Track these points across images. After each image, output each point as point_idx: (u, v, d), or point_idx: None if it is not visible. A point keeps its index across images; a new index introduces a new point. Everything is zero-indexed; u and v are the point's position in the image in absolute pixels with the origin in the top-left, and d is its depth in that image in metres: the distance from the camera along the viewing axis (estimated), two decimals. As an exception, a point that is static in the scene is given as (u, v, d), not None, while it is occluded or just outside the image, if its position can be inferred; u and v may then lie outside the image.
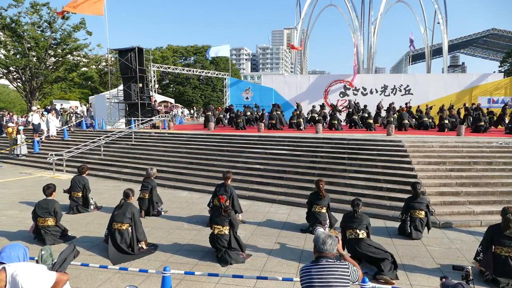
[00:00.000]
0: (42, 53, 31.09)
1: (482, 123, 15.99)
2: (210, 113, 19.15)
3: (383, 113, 19.52)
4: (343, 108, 22.01)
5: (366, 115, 17.99)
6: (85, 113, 24.00)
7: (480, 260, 5.20)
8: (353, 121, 18.27)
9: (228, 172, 7.77)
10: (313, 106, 20.54)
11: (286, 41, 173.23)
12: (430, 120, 17.94)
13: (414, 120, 18.17)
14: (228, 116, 21.37)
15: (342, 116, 20.63)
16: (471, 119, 17.30)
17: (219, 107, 28.24)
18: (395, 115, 17.88)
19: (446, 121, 16.76)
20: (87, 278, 5.03)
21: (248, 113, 19.79)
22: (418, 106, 19.69)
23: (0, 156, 16.98)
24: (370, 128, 17.11)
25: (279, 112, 18.47)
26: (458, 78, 23.12)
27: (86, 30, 32.56)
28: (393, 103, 19.78)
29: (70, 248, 3.37)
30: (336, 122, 17.35)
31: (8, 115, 22.85)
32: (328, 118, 18.57)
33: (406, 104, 20.30)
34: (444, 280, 3.19)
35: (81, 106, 30.23)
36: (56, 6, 41.89)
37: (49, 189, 6.64)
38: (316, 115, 18.85)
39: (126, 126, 19.12)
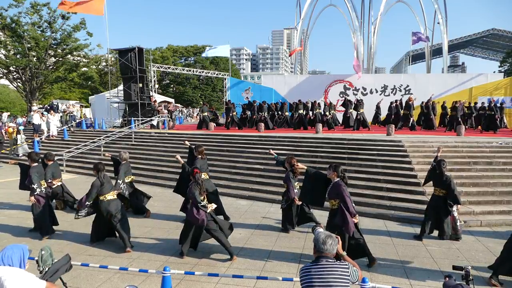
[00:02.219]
0: (42, 53, 31.07)
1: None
2: (206, 113, 18.93)
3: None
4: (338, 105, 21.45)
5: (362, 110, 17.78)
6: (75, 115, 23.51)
7: None
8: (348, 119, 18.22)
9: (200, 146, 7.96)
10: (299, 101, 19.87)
11: (286, 41, 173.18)
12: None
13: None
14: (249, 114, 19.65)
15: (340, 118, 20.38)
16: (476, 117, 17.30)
17: (212, 107, 27.53)
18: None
19: (455, 112, 16.67)
20: (87, 278, 5.04)
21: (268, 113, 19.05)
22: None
23: (0, 156, 16.98)
24: (365, 125, 17.18)
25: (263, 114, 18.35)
26: (458, 78, 23.11)
27: (86, 31, 32.54)
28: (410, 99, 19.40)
29: (64, 260, 3.33)
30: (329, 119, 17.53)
31: None
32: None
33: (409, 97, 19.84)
34: (447, 279, 3.19)
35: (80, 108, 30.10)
36: (56, 6, 41.77)
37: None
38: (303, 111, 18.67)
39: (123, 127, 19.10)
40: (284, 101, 21.36)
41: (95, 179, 6.17)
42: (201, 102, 43.78)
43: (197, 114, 34.98)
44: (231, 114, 18.70)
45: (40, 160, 7.27)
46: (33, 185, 6.64)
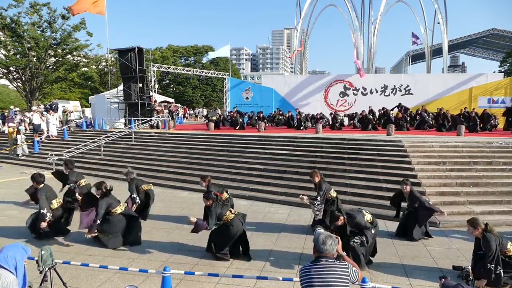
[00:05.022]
0: (42, 53, 31.06)
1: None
2: (215, 118, 19.11)
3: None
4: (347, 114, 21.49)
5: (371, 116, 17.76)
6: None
7: None
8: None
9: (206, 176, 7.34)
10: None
11: (286, 41, 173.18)
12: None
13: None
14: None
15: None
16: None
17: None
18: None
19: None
20: (87, 278, 5.04)
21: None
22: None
23: (0, 156, 16.97)
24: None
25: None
26: (458, 78, 23.14)
27: (86, 31, 32.54)
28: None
29: None
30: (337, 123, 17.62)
31: None
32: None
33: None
34: (443, 280, 3.19)
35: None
36: (56, 6, 41.83)
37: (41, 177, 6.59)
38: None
39: (124, 127, 19.10)
40: (284, 102, 21.54)
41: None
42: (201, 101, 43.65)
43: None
44: (238, 121, 18.78)
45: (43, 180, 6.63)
46: (42, 210, 6.17)
